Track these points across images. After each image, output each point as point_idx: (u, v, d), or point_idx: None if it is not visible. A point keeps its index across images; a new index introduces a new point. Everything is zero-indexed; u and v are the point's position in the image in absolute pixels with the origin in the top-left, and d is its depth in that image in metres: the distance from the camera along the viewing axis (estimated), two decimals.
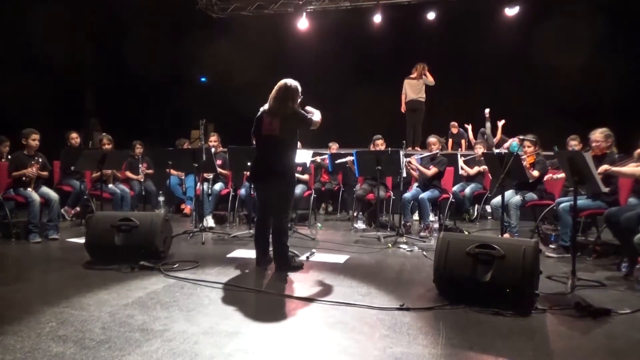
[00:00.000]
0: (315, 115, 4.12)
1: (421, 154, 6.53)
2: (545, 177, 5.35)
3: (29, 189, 5.40)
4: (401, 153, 5.55)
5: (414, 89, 8.91)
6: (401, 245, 5.16)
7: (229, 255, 4.66)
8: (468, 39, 10.49)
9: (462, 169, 7.16)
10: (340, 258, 4.59)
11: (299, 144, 4.56)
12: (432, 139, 6.31)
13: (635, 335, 2.80)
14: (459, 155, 7.33)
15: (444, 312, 3.10)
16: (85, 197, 6.52)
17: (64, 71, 8.80)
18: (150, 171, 7.23)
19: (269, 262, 4.21)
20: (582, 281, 3.70)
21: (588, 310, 3.04)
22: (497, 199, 5.24)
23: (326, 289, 3.60)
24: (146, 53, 9.38)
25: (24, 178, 5.40)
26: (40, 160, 5.53)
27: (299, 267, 4.17)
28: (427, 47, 10.70)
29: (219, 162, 6.59)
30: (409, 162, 6.17)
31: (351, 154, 6.20)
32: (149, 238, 4.20)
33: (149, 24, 9.48)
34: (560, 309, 3.13)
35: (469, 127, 9.94)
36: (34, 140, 5.57)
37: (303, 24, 10.51)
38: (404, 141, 6.95)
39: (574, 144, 5.88)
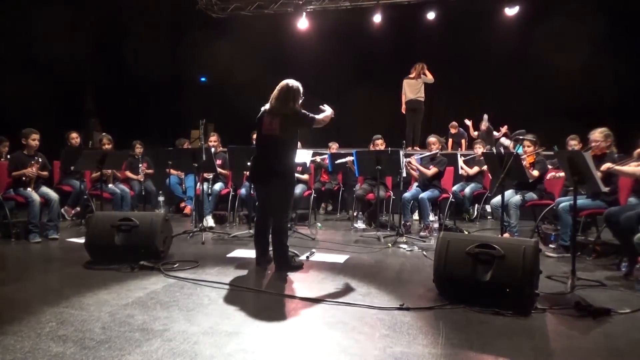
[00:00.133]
0: (323, 113, 4.12)
1: (421, 154, 6.52)
2: (548, 176, 5.35)
3: (29, 189, 5.40)
4: (401, 153, 5.55)
5: (412, 88, 8.91)
6: (401, 245, 5.16)
7: (229, 255, 4.66)
8: (468, 39, 10.49)
9: (462, 168, 7.16)
10: (340, 258, 4.58)
11: (299, 144, 4.56)
12: (432, 139, 6.31)
13: (635, 335, 2.80)
14: (458, 155, 7.33)
15: (444, 312, 3.10)
16: (85, 197, 6.52)
17: (64, 71, 8.79)
18: (150, 171, 7.23)
19: (269, 262, 4.20)
20: (582, 281, 3.70)
21: (588, 310, 3.04)
22: (497, 199, 5.24)
23: (326, 289, 3.59)
24: (146, 53, 9.40)
25: (23, 178, 5.39)
26: (40, 160, 5.52)
27: (298, 267, 4.18)
28: (427, 47, 10.72)
29: (218, 162, 6.59)
30: (409, 162, 6.17)
31: (351, 154, 6.20)
32: (149, 238, 4.19)
33: (149, 24, 9.47)
34: (560, 308, 3.13)
35: (470, 123, 9.93)
36: (34, 140, 5.56)
37: (303, 23, 10.51)
38: (404, 141, 6.96)
39: (573, 143, 5.87)
